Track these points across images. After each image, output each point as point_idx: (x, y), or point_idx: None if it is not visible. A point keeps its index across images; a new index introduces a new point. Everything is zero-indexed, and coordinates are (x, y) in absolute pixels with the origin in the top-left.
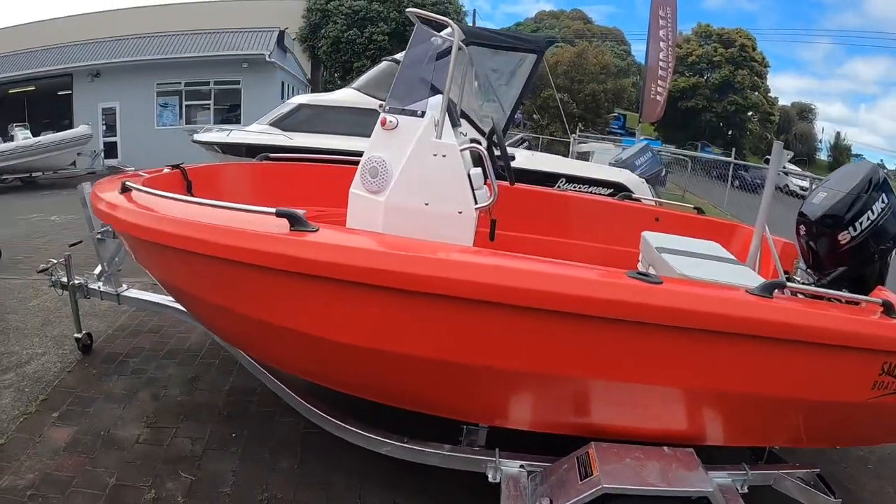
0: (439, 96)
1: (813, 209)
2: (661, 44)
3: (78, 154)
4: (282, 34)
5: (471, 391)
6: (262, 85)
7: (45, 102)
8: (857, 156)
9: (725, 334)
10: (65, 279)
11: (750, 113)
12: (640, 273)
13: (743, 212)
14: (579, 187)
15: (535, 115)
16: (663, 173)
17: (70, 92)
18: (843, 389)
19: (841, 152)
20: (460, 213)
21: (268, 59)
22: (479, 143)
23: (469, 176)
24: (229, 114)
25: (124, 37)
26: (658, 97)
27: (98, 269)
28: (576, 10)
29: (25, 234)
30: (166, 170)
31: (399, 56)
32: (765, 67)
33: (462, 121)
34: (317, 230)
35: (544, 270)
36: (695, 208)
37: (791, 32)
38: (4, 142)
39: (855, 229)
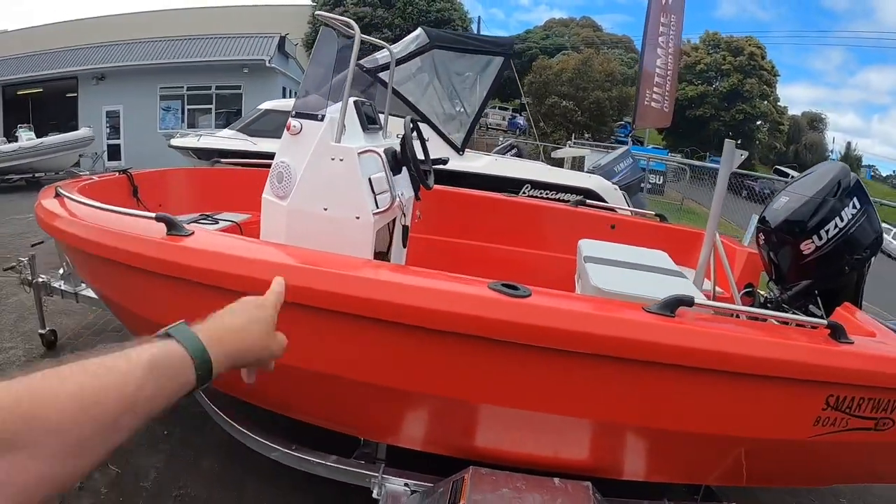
0: (351, 100)
1: (774, 215)
2: (660, 50)
3: (80, 156)
4: (282, 40)
5: (340, 404)
6: (262, 89)
7: (53, 104)
8: (869, 167)
9: (610, 358)
10: (31, 277)
11: (759, 122)
12: (505, 285)
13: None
14: (546, 193)
15: (541, 123)
16: (647, 180)
17: (76, 94)
18: (779, 426)
19: (851, 163)
20: (358, 218)
21: (268, 64)
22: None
23: (370, 181)
24: (235, 118)
25: (129, 41)
26: (654, 104)
27: (62, 269)
28: (585, 17)
29: (18, 233)
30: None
31: (365, 62)
32: (774, 76)
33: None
34: (190, 234)
35: (394, 280)
36: (656, 215)
37: (802, 40)
38: (9, 142)
39: (820, 238)
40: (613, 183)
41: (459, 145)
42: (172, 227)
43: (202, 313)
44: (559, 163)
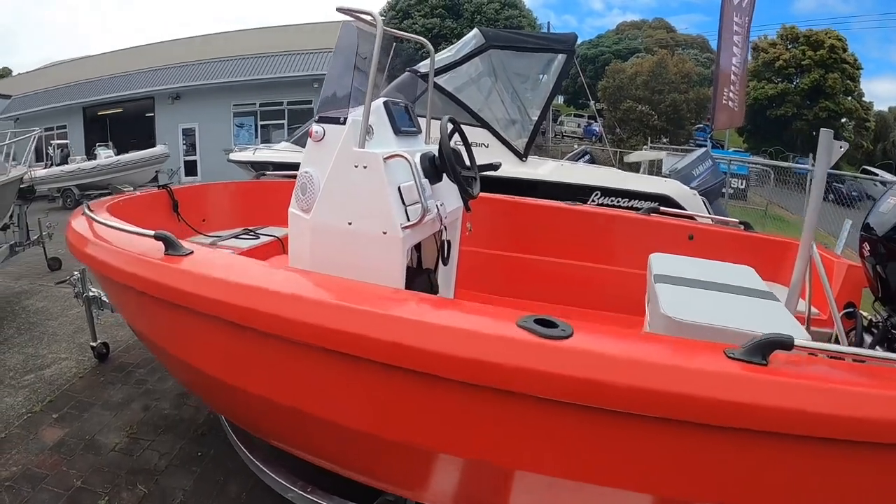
0: (380, 100)
1: (882, 220)
2: (735, 49)
3: (157, 172)
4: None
5: (353, 454)
6: None
7: (132, 123)
8: None
9: (678, 423)
10: (82, 291)
11: (843, 120)
12: (540, 321)
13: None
14: (618, 201)
15: (616, 129)
16: (729, 184)
17: (153, 114)
18: None
19: None
20: (385, 233)
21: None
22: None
23: (400, 190)
24: None
25: (202, 61)
26: (730, 103)
27: None
28: (658, 19)
29: None
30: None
31: (420, 67)
32: (857, 70)
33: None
34: (189, 254)
35: (395, 315)
36: (740, 223)
37: (887, 31)
38: (89, 160)
39: None
40: (692, 188)
41: (522, 151)
42: (170, 247)
43: (204, 340)
44: (635, 168)
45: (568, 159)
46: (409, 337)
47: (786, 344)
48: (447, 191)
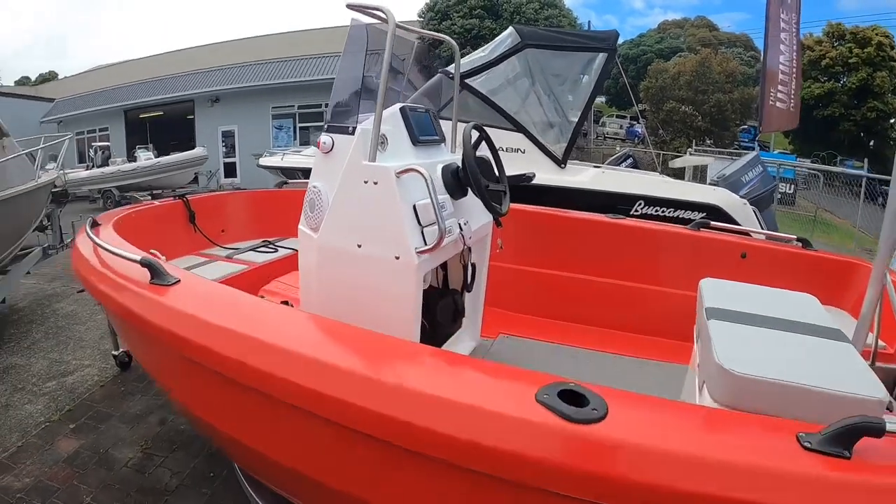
0: (396, 106)
1: None
2: (782, 46)
3: (196, 174)
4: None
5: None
6: (371, 105)
7: (173, 126)
8: None
9: None
10: None
11: (893, 120)
12: (565, 393)
13: None
14: (662, 211)
15: (659, 131)
16: (779, 192)
17: (193, 116)
18: None
19: None
20: (397, 258)
21: (375, 79)
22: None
23: (415, 209)
24: None
25: (241, 64)
26: (780, 104)
27: None
28: (700, 17)
29: None
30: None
31: (451, 68)
32: None
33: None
34: (175, 283)
35: (389, 382)
36: (797, 239)
37: None
38: (129, 162)
39: None
40: (741, 196)
41: (561, 157)
42: (155, 275)
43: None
44: (679, 174)
45: (609, 163)
46: (401, 409)
47: (874, 430)
48: (473, 206)
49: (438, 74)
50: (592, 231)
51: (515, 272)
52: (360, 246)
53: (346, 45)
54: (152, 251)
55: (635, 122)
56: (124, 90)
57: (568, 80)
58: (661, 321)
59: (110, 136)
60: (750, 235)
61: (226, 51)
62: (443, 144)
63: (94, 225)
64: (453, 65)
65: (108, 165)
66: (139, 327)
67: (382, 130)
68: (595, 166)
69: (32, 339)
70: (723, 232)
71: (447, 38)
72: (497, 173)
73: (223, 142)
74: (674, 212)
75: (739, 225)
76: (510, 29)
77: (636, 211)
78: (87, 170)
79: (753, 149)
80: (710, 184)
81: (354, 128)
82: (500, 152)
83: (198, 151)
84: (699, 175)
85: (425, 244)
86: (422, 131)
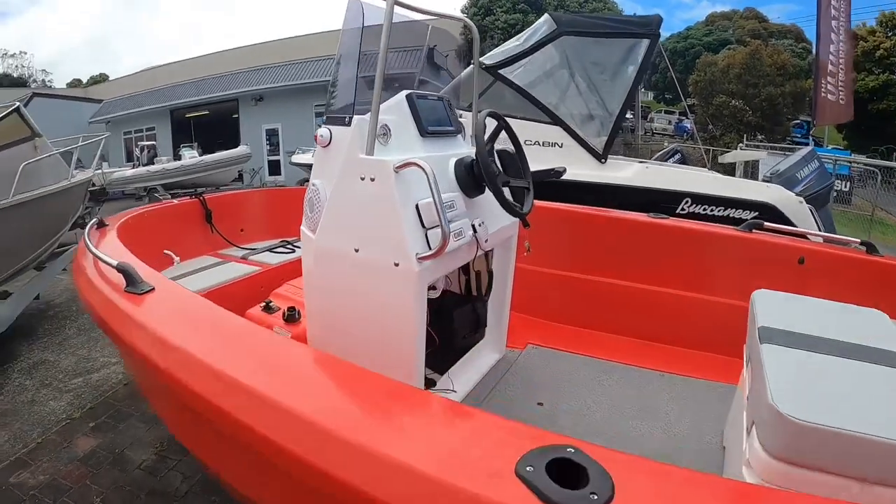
0: (402, 93)
1: None
2: (833, 36)
3: (240, 171)
4: (431, 52)
5: None
6: None
7: (218, 125)
8: None
9: None
10: None
11: None
12: (555, 464)
13: None
14: (711, 210)
15: (709, 126)
16: (834, 190)
17: (238, 115)
18: None
19: None
20: (397, 265)
21: (418, 76)
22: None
23: (418, 208)
24: None
25: (284, 63)
26: (831, 96)
27: None
28: (749, 8)
29: None
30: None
31: (486, 58)
32: None
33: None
34: (149, 291)
35: (363, 445)
36: (862, 243)
37: None
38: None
39: None
40: (797, 194)
41: (601, 151)
42: (130, 282)
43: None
44: (730, 170)
45: (657, 158)
46: (346, 472)
47: None
48: (494, 204)
49: (471, 65)
50: (632, 232)
51: (546, 276)
52: (357, 250)
53: (344, 27)
54: (166, 252)
55: (684, 118)
56: (170, 90)
57: (608, 69)
58: (708, 334)
59: (157, 135)
60: (808, 238)
61: (269, 50)
62: (460, 136)
63: (101, 226)
64: (490, 53)
65: (153, 164)
66: (109, 333)
67: (386, 120)
68: (640, 161)
69: (64, 336)
70: (778, 234)
71: (464, 18)
72: (521, 168)
73: (267, 140)
74: (724, 210)
75: (795, 225)
76: (545, 16)
77: (682, 209)
78: (133, 168)
79: (807, 144)
80: (762, 180)
81: (350, 118)
82: (536, 147)
83: (241, 150)
84: (751, 171)
85: (429, 249)
86: (432, 121)
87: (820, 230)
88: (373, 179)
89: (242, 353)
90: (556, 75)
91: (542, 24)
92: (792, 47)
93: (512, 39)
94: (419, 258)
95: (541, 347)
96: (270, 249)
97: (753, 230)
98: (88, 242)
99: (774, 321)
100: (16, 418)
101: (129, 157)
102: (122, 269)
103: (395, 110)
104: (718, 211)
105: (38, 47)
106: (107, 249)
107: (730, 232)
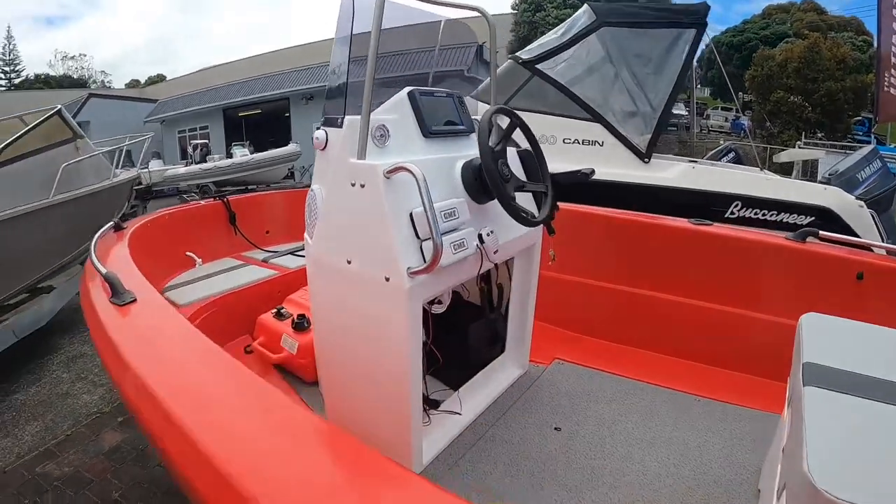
0: (404, 91)
1: None
2: (895, 25)
3: (290, 170)
4: (480, 48)
5: None
6: None
7: (270, 123)
8: None
9: None
10: None
11: None
12: None
13: None
14: (763, 214)
15: (766, 123)
16: None
17: (289, 114)
18: None
19: None
20: (387, 280)
21: (466, 73)
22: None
23: (412, 217)
24: None
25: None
26: (893, 90)
27: None
28: (807, 0)
29: None
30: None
31: (522, 52)
32: None
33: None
34: (131, 302)
35: None
36: None
37: None
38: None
39: None
40: (857, 196)
41: (644, 149)
42: (114, 292)
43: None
44: (786, 170)
45: (710, 157)
46: None
47: None
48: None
49: (508, 60)
50: (670, 239)
51: (576, 286)
52: (349, 262)
53: (339, 23)
54: (188, 253)
55: (741, 115)
56: (223, 90)
57: (652, 61)
58: (754, 355)
59: (210, 133)
60: (871, 250)
61: (318, 50)
62: (472, 136)
63: (119, 229)
64: (527, 48)
65: (205, 162)
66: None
67: (386, 120)
68: (691, 161)
69: None
70: (834, 245)
71: (482, 8)
72: (538, 169)
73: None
74: (776, 215)
75: (854, 232)
76: (584, 6)
77: (732, 214)
78: (185, 166)
79: (868, 142)
80: (820, 181)
81: (342, 119)
82: (576, 145)
83: (290, 148)
84: (809, 172)
85: (425, 262)
86: (438, 120)
87: (882, 237)
88: (362, 186)
89: (191, 385)
90: (596, 69)
91: (581, 16)
92: (852, 40)
93: (550, 32)
94: (410, 273)
95: (568, 363)
96: (292, 252)
97: (808, 239)
98: (92, 247)
99: (823, 356)
100: (49, 409)
101: (184, 155)
102: (108, 279)
103: (395, 109)
104: (771, 215)
105: (99, 50)
106: (112, 254)
107: (780, 241)
